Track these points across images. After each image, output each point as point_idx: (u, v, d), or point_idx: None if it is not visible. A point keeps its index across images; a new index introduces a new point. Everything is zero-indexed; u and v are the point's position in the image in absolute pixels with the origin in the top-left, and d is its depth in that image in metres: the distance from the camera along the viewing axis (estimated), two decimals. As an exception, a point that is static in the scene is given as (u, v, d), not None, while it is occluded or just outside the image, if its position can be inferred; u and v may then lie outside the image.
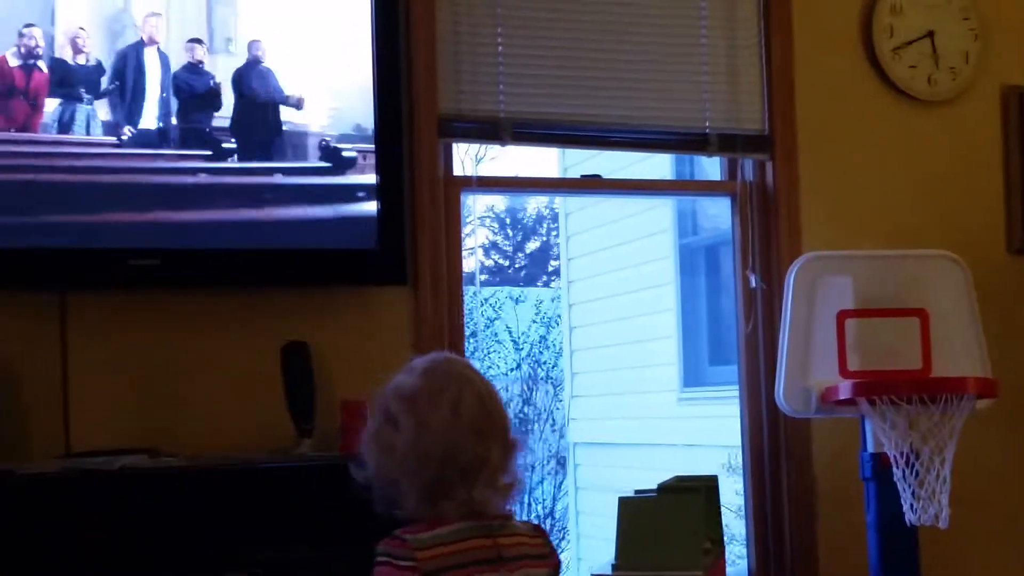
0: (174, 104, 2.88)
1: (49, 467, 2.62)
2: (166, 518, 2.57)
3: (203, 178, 2.89)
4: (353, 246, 2.99)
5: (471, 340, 6.31)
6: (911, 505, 2.92)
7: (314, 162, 2.97)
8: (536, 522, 2.09)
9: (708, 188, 4.06)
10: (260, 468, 2.73)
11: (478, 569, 1.92)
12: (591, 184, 3.97)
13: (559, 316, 8.72)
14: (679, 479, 2.79)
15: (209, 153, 2.90)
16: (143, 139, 2.85)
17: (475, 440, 1.93)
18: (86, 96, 2.82)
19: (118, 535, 2.52)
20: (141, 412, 2.92)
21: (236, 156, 2.92)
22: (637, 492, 2.64)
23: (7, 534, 2.47)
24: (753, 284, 3.48)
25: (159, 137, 2.87)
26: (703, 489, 2.66)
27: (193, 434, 2.89)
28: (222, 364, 3.00)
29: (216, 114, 2.91)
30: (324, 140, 2.98)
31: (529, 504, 8.21)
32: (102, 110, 2.83)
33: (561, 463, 8.45)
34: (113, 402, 2.91)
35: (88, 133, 2.82)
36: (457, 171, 3.33)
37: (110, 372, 2.92)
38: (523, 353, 8.56)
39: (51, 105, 2.80)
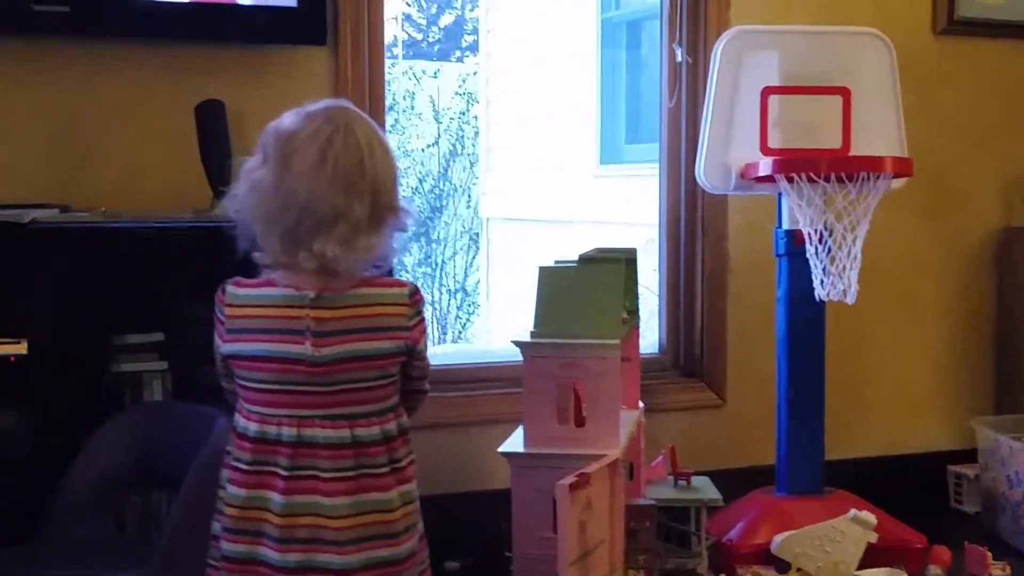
0: None
1: (-44, 218, 2.53)
2: (75, 274, 2.52)
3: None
4: (273, 4, 2.88)
5: (390, 113, 6.21)
6: (821, 281, 2.99)
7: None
8: (415, 287, 1.97)
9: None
10: (173, 227, 2.67)
11: (282, 339, 1.88)
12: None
13: (477, 93, 8.59)
14: (600, 251, 2.80)
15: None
16: None
17: (338, 191, 1.85)
18: None
19: (25, 289, 2.47)
20: (52, 167, 2.85)
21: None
22: (557, 262, 2.65)
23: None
24: (679, 58, 3.44)
25: None
26: (623, 260, 2.68)
27: (106, 192, 2.83)
28: (136, 122, 2.92)
29: None
30: None
31: (441, 278, 8.27)
32: None
33: (474, 238, 8.48)
34: (23, 155, 2.82)
35: None
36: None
37: (19, 123, 2.82)
38: (442, 127, 8.45)
39: None
